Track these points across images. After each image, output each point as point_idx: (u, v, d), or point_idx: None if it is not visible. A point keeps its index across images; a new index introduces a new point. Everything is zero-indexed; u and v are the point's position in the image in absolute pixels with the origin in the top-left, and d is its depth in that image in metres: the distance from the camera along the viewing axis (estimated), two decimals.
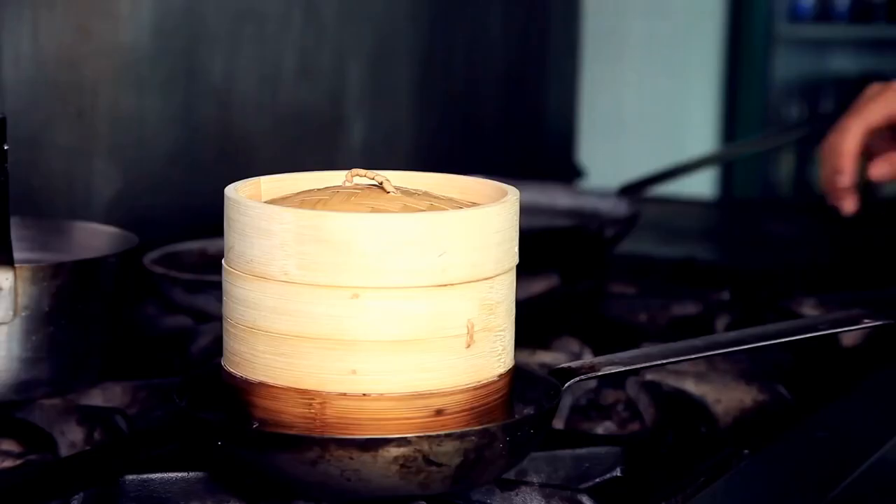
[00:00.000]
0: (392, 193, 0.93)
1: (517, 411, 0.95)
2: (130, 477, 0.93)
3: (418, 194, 0.94)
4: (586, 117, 2.68)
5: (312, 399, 0.88)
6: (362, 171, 0.95)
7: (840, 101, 3.87)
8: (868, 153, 1.53)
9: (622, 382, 1.21)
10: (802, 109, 3.76)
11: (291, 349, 0.88)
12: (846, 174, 1.50)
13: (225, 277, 0.92)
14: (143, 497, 0.92)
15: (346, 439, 0.86)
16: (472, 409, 0.91)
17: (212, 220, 1.18)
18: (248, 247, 0.89)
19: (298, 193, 0.95)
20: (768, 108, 3.38)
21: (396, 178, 0.96)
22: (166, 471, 0.93)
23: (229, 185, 0.93)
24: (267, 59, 1.81)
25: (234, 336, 0.92)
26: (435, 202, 0.93)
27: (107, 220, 1.36)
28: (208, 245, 1.54)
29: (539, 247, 1.51)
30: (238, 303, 0.91)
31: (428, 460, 0.86)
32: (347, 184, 0.95)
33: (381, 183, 0.94)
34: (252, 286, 0.89)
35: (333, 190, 0.94)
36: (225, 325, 0.93)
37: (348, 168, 0.97)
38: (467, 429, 0.87)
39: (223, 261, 0.92)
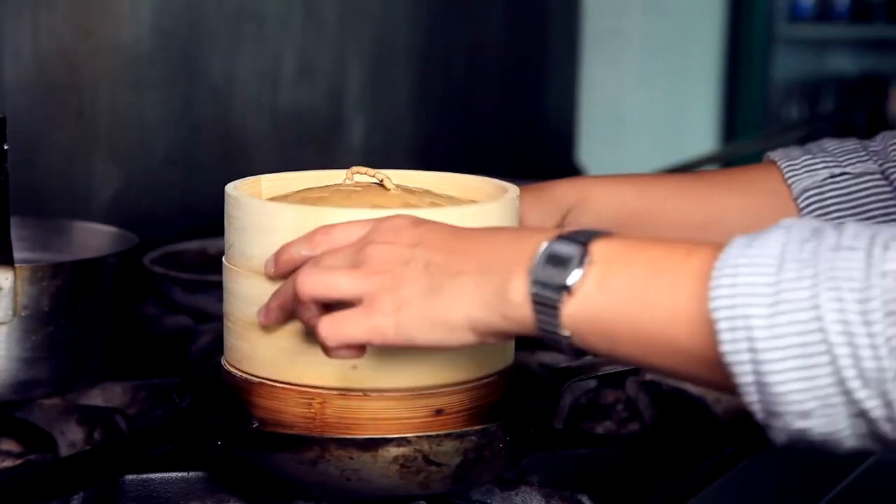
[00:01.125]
0: (392, 191, 0.93)
1: (517, 411, 0.95)
2: (130, 477, 0.93)
3: (418, 192, 0.94)
4: (586, 117, 2.68)
5: (312, 399, 0.88)
6: (363, 169, 0.95)
7: (840, 101, 3.87)
8: None
9: (622, 382, 1.21)
10: (802, 109, 3.76)
11: (291, 345, 0.88)
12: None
13: (225, 275, 0.92)
14: (143, 497, 0.92)
15: (345, 439, 0.86)
16: (472, 408, 0.91)
17: (212, 220, 1.18)
18: (248, 244, 0.89)
19: (299, 191, 0.95)
20: (768, 108, 3.37)
21: (397, 177, 0.96)
22: (166, 471, 0.94)
23: (229, 183, 0.93)
24: (267, 59, 1.81)
25: (234, 333, 0.92)
26: (435, 200, 0.92)
27: (107, 220, 1.36)
28: (208, 245, 1.54)
29: None
30: (238, 299, 0.91)
31: (428, 460, 0.86)
32: (348, 181, 0.95)
33: (381, 181, 0.94)
34: (252, 283, 0.89)
35: (334, 188, 0.94)
36: (225, 321, 0.93)
37: (348, 167, 0.97)
38: (467, 428, 0.87)
39: (223, 258, 0.92)
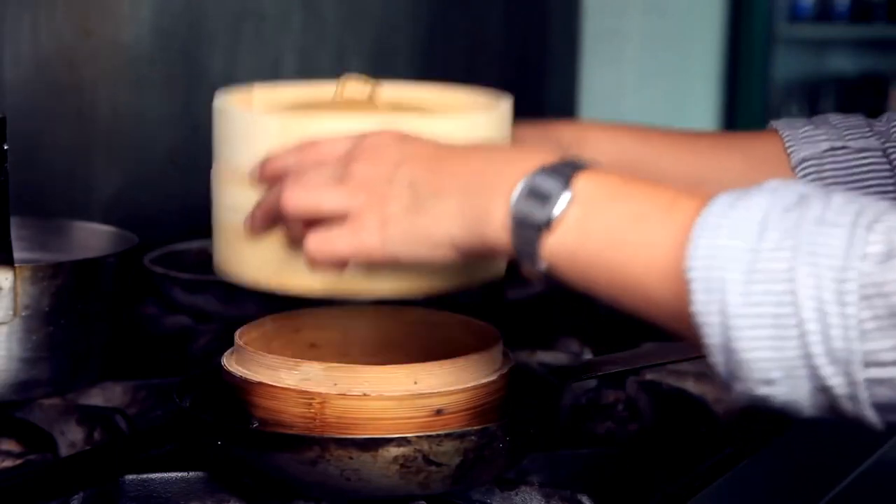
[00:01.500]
0: (381, 108, 0.93)
1: (517, 411, 0.95)
2: (130, 477, 0.93)
3: (409, 108, 0.94)
4: (586, 117, 2.68)
5: (312, 399, 0.88)
6: (354, 76, 0.95)
7: (840, 101, 3.87)
8: None
9: (622, 382, 1.21)
10: (802, 109, 3.76)
11: (278, 253, 0.88)
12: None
13: (213, 185, 0.93)
14: (143, 497, 0.92)
15: (345, 439, 0.86)
16: (472, 408, 0.91)
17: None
18: (234, 154, 0.90)
19: (288, 104, 0.95)
20: (768, 108, 3.37)
21: (392, 89, 0.96)
22: (166, 471, 0.93)
23: (218, 93, 0.94)
24: (267, 59, 1.81)
25: (222, 241, 0.92)
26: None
27: (107, 220, 1.36)
28: (208, 245, 1.53)
29: None
30: (225, 208, 0.91)
31: (428, 460, 0.86)
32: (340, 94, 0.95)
33: (370, 92, 0.93)
34: (238, 192, 0.89)
35: (324, 101, 0.94)
36: (214, 231, 0.93)
37: None
38: (467, 428, 0.87)
39: (212, 170, 0.93)
